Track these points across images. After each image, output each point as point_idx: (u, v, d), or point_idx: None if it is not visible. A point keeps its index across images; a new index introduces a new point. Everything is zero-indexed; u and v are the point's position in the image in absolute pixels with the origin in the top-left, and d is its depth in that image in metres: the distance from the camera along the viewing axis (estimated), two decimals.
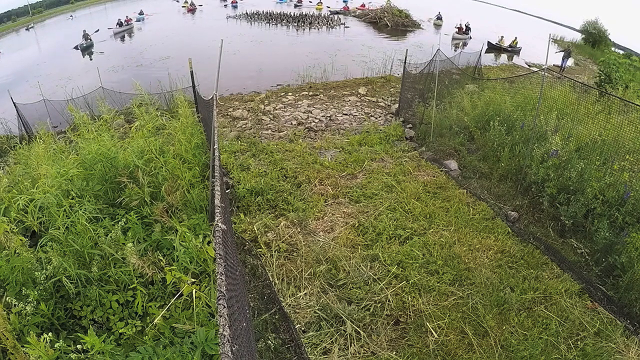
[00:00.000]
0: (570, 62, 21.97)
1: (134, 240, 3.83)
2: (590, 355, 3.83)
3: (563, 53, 19.23)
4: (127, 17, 25.57)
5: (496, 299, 4.41)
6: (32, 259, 3.49)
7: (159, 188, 4.64)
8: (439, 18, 29.76)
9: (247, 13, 29.03)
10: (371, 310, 4.24)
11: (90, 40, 20.82)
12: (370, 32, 25.64)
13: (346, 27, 26.49)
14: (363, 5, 32.56)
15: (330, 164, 7.59)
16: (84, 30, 20.78)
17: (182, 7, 32.73)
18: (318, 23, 26.71)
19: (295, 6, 33.44)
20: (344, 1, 34.94)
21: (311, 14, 28.97)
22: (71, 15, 33.77)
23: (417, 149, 8.45)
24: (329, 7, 32.28)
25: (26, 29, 30.44)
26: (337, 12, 30.89)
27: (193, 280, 3.18)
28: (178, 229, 3.70)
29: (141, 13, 28.35)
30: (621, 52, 28.01)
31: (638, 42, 29.15)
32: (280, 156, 7.83)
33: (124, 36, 23.66)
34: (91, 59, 18.81)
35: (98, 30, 22.21)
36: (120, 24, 24.30)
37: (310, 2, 33.72)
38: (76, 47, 20.39)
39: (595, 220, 5.15)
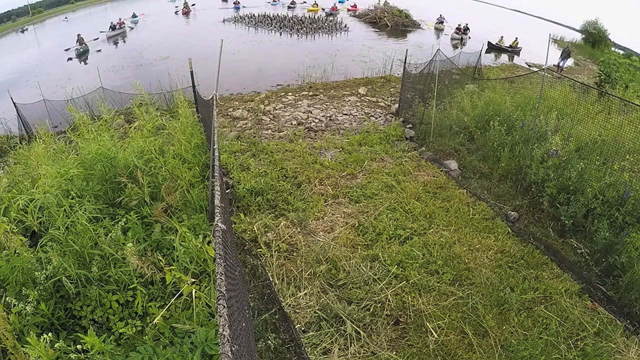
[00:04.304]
0: (570, 62, 21.95)
1: (134, 240, 3.83)
2: (590, 355, 3.83)
3: (561, 52, 19.18)
4: (119, 19, 24.54)
5: (496, 299, 4.41)
6: (32, 259, 3.49)
7: (159, 188, 4.65)
8: (441, 22, 27.83)
9: (241, 16, 27.75)
10: (371, 310, 4.24)
11: (86, 44, 20.11)
12: (370, 32, 25.55)
13: (344, 29, 25.48)
14: (355, 6, 31.68)
15: (330, 164, 7.59)
16: (79, 35, 20.02)
17: (178, 4, 31.96)
18: (319, 27, 25.29)
19: (289, 8, 32.25)
20: (340, 1, 34.26)
21: (307, 16, 27.61)
22: (66, 18, 32.68)
23: (417, 149, 8.45)
24: (324, 9, 31.25)
25: (21, 31, 29.65)
26: (330, 14, 29.77)
27: (193, 280, 3.18)
28: (178, 229, 3.71)
29: (134, 16, 27.43)
30: (621, 52, 28.04)
31: (638, 42, 29.14)
32: (280, 156, 7.83)
33: (117, 40, 22.76)
34: (86, 64, 18.31)
35: (97, 39, 21.31)
36: (113, 28, 23.28)
37: (305, 2, 32.53)
38: (69, 58, 19.15)
39: (595, 220, 5.15)
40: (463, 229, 5.64)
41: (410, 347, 3.88)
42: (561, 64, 18.84)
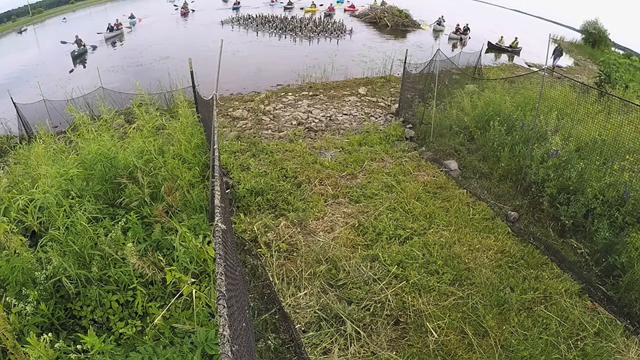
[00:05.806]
0: (570, 61, 21.94)
1: (134, 240, 3.83)
2: (590, 355, 3.83)
3: (553, 50, 19.11)
4: (117, 20, 24.19)
5: (496, 299, 4.41)
6: (32, 259, 3.49)
7: (159, 188, 4.65)
8: (439, 23, 27.56)
9: (238, 17, 27.14)
10: (371, 310, 4.24)
11: (84, 46, 19.86)
12: (370, 32, 25.51)
13: (348, 32, 24.53)
14: (352, 7, 31.42)
15: (330, 164, 7.59)
16: (77, 36, 19.74)
17: (177, 4, 31.60)
18: (322, 30, 24.32)
19: (285, 9, 31.66)
20: (338, 1, 33.88)
21: (306, 17, 26.98)
22: (64, 18, 32.21)
23: (417, 149, 8.45)
24: (321, 5, 30.79)
25: (19, 32, 29.21)
26: (328, 14, 29.15)
27: (193, 280, 3.18)
28: (178, 229, 3.71)
29: (132, 17, 26.96)
30: (621, 52, 28.01)
31: (638, 42, 29.09)
32: (280, 156, 7.83)
33: (115, 42, 22.42)
34: (84, 67, 18.12)
35: (95, 48, 20.81)
36: (110, 29, 22.89)
37: (302, 9, 31.95)
38: (71, 70, 17.90)
39: (595, 220, 5.15)
40: (463, 229, 5.64)
41: (410, 347, 3.88)
42: (554, 62, 18.80)
